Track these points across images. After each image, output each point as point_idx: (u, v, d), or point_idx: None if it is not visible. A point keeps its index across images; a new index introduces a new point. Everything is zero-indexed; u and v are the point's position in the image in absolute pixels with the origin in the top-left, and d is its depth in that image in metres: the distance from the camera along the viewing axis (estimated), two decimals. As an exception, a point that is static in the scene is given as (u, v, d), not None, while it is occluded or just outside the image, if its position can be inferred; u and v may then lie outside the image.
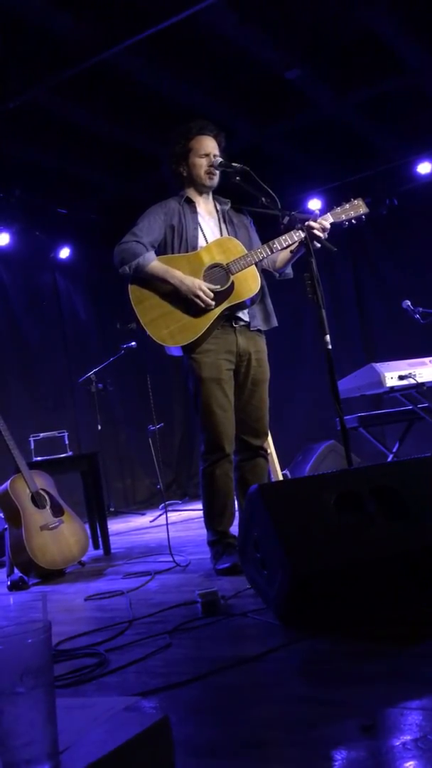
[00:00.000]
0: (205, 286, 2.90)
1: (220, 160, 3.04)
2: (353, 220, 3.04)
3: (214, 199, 3.20)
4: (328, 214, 3.01)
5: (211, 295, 2.91)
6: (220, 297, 2.94)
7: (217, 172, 3.07)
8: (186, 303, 2.93)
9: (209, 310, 2.93)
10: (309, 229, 2.87)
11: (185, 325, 2.94)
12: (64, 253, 7.34)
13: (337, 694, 1.39)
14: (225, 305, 2.95)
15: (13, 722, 0.85)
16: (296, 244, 2.98)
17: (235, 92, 5.47)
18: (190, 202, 3.12)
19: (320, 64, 5.18)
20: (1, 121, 5.07)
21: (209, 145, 3.08)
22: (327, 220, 2.95)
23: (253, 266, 2.98)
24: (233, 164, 2.99)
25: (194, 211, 3.10)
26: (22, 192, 6.29)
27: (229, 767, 1.15)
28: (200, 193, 3.14)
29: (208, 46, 4.80)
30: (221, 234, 3.11)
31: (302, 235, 2.87)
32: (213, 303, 2.91)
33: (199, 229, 3.07)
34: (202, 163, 3.07)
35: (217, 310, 2.94)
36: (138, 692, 1.53)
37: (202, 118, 3.16)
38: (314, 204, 6.94)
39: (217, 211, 3.18)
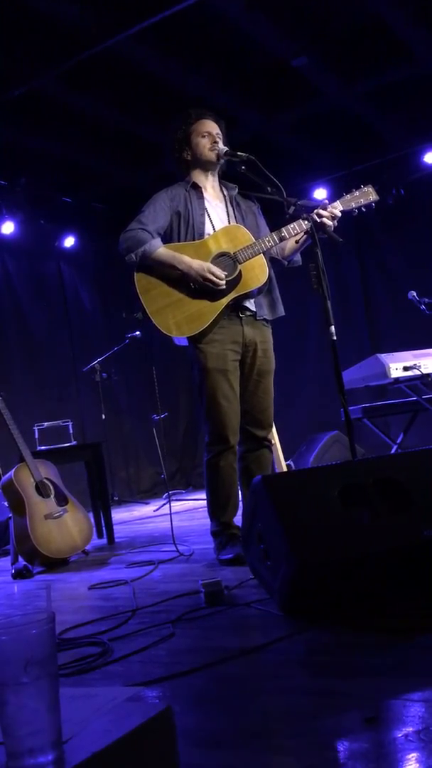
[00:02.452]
0: (214, 268, 2.88)
1: (226, 149, 3.01)
2: (363, 208, 2.98)
3: (221, 183, 3.17)
4: (338, 201, 2.96)
5: (222, 275, 2.87)
6: (227, 287, 2.91)
7: (220, 147, 3.04)
8: (194, 290, 2.91)
9: (217, 299, 2.91)
10: (318, 218, 2.84)
11: (192, 315, 2.92)
12: (69, 241, 7.31)
13: (339, 685, 1.39)
14: (232, 295, 2.92)
15: (18, 712, 0.86)
16: (304, 233, 2.95)
17: (241, 80, 5.43)
18: (197, 188, 3.09)
19: (327, 52, 5.14)
20: (6, 109, 5.05)
21: (209, 125, 3.08)
22: (337, 208, 2.91)
23: (261, 255, 2.94)
24: (238, 153, 2.95)
25: (201, 197, 3.06)
26: (27, 180, 6.27)
27: (232, 757, 1.16)
28: (206, 172, 3.11)
29: (214, 33, 4.77)
30: (228, 219, 3.07)
31: (310, 223, 2.85)
32: (224, 284, 2.89)
33: (206, 214, 3.03)
34: (205, 142, 3.05)
35: (225, 300, 2.92)
36: (141, 681, 1.54)
37: (202, 106, 3.15)
38: (320, 193, 6.90)
39: (224, 195, 3.14)
